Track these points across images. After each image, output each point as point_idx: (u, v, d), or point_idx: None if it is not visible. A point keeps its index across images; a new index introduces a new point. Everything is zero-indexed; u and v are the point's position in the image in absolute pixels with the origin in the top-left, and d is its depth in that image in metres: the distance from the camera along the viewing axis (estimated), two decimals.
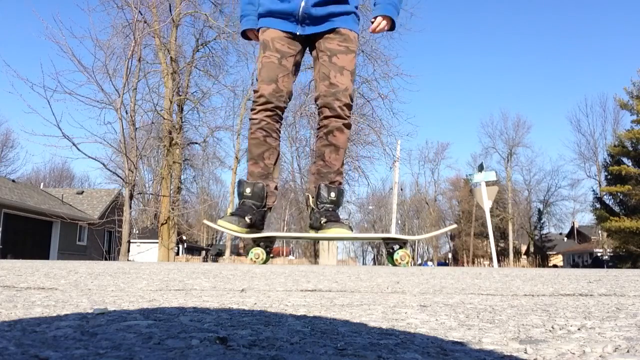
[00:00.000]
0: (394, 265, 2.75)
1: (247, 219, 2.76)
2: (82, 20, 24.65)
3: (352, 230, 2.76)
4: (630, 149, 31.72)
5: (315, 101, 2.91)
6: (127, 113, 11.29)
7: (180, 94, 17.48)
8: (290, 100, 2.94)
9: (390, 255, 2.81)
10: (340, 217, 2.87)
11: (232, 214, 2.80)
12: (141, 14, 13.45)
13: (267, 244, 2.84)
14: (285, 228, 36.60)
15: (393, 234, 2.92)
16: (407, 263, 2.72)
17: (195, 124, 18.67)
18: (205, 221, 3.17)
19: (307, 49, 3.00)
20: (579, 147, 55.33)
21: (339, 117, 2.81)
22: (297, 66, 2.91)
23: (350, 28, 2.84)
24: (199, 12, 17.23)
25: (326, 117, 2.83)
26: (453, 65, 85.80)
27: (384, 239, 2.92)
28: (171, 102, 16.91)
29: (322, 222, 2.79)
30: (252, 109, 2.92)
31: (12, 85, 22.20)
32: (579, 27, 77.83)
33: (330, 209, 2.82)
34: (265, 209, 2.91)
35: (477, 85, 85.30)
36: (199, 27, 17.87)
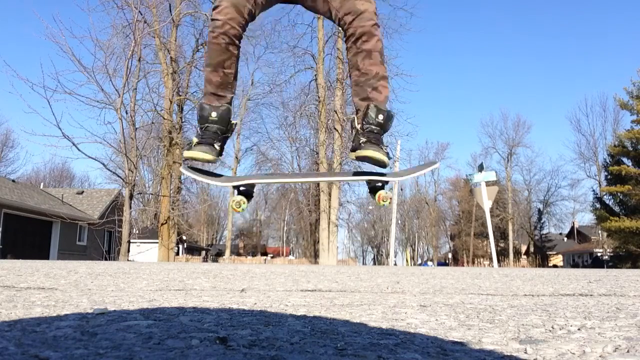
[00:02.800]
0: (376, 202, 2.69)
1: (216, 146, 2.62)
2: (82, 20, 24.70)
3: (389, 159, 2.58)
4: (630, 149, 31.70)
5: (338, 22, 2.70)
6: (127, 113, 11.29)
7: (180, 94, 17.48)
8: (261, 11, 2.69)
9: (372, 191, 2.69)
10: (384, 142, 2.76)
11: (199, 143, 2.62)
12: (141, 14, 13.45)
13: (248, 188, 2.68)
14: (285, 228, 36.59)
15: (375, 177, 2.76)
16: (389, 203, 2.68)
17: (195, 124, 18.67)
18: (182, 168, 3.02)
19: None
20: (579, 147, 55.37)
21: (365, 17, 2.61)
22: None
23: None
24: (199, 12, 17.24)
25: (350, 24, 2.63)
26: (453, 65, 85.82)
27: (367, 180, 2.86)
28: (171, 102, 16.91)
29: (360, 142, 2.60)
30: (213, 8, 2.66)
31: (12, 85, 22.22)
32: (579, 27, 77.84)
33: (375, 131, 2.62)
34: (229, 134, 2.82)
35: (477, 85, 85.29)
36: (199, 27, 17.88)
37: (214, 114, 2.69)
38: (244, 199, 2.66)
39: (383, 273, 1.72)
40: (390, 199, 2.64)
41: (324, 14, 2.86)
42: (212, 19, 2.73)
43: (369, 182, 2.77)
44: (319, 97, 21.77)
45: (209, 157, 2.59)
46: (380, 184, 2.75)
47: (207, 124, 2.69)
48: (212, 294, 1.06)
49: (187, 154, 2.67)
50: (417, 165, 2.85)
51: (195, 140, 2.72)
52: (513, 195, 48.24)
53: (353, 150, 2.71)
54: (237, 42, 2.79)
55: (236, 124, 2.90)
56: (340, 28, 2.81)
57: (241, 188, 2.69)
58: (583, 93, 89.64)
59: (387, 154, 2.64)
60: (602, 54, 76.74)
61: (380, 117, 2.76)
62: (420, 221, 53.87)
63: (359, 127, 2.73)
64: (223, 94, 2.77)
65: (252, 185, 2.78)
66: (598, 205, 34.12)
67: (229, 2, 2.71)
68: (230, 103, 2.78)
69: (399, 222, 47.93)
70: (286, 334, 0.64)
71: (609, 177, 34.50)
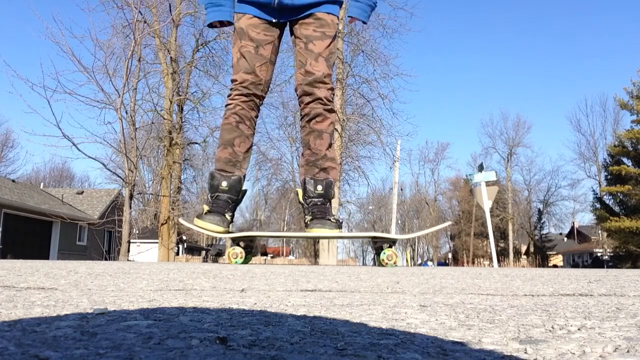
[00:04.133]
0: (381, 265, 2.62)
1: (227, 216, 2.65)
2: (82, 20, 24.64)
3: (339, 228, 2.61)
4: (630, 149, 31.70)
5: (296, 91, 2.82)
6: (127, 113, 11.29)
7: (180, 94, 17.48)
8: (268, 89, 2.85)
9: (377, 254, 2.70)
10: (332, 212, 2.73)
11: (209, 211, 2.66)
12: (141, 14, 13.45)
13: (247, 242, 2.71)
14: (285, 228, 36.60)
15: (380, 233, 2.74)
16: (394, 263, 2.60)
17: (195, 124, 18.67)
18: (182, 220, 3.03)
19: (287, 30, 2.88)
20: (579, 147, 55.45)
21: (319, 102, 2.72)
22: (275, 52, 2.82)
23: (329, 12, 2.74)
24: (199, 12, 17.23)
25: (307, 104, 2.74)
26: (453, 65, 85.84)
27: (371, 237, 2.84)
28: (171, 102, 16.91)
29: (307, 221, 2.66)
30: (228, 95, 2.82)
31: (12, 85, 22.23)
32: (579, 27, 77.86)
33: (319, 204, 2.69)
34: (239, 203, 2.79)
35: (477, 85, 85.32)
36: (199, 27, 17.86)
37: (224, 183, 2.70)
38: (242, 252, 2.61)
39: (383, 273, 1.72)
40: (396, 256, 2.60)
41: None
42: (226, 105, 2.80)
43: (375, 242, 2.73)
44: None
45: (219, 229, 2.58)
46: (387, 244, 2.68)
47: (217, 193, 2.70)
48: (212, 294, 1.06)
49: (197, 223, 2.64)
50: (427, 229, 2.85)
51: (205, 208, 2.72)
52: (513, 195, 48.24)
53: (306, 226, 2.71)
54: (247, 122, 2.79)
55: (246, 190, 2.89)
56: (297, 98, 2.84)
57: (241, 243, 2.65)
58: (583, 93, 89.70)
59: (337, 222, 2.65)
60: (602, 54, 76.71)
61: (319, 187, 2.71)
62: (420, 221, 53.86)
63: (302, 202, 2.73)
64: (231, 171, 2.75)
65: (253, 241, 2.74)
66: (598, 205, 34.11)
67: (239, 92, 2.76)
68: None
69: (399, 222, 47.90)
70: (286, 334, 0.64)
71: (609, 177, 34.51)
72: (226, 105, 2.81)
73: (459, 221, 51.79)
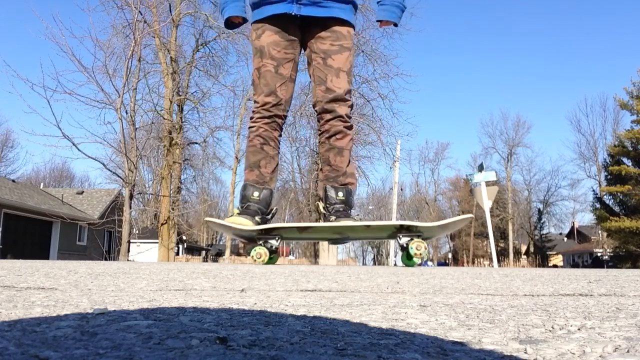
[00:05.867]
0: (410, 261, 2.55)
1: (257, 218, 2.69)
2: (82, 20, 24.63)
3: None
4: (630, 149, 31.70)
5: (314, 107, 2.83)
6: (127, 113, 11.29)
7: (180, 94, 17.48)
8: (289, 106, 2.87)
9: (404, 250, 2.62)
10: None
11: (240, 213, 2.70)
12: (141, 14, 13.44)
13: (272, 243, 2.70)
14: None
15: (406, 221, 2.70)
16: (425, 251, 2.54)
17: (195, 124, 18.68)
18: (209, 218, 3.03)
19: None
20: (579, 147, 55.41)
21: (339, 119, 2.74)
22: (295, 69, 2.84)
23: (346, 18, 2.73)
24: (199, 12, 17.23)
25: (327, 122, 2.76)
26: (453, 65, 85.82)
27: (396, 227, 2.79)
28: (171, 102, 16.92)
29: (332, 220, 2.68)
30: (250, 117, 2.86)
31: (12, 85, 22.24)
32: (579, 26, 77.83)
33: (341, 209, 2.71)
34: (269, 217, 2.81)
35: (477, 85, 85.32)
36: (199, 27, 17.88)
37: (256, 194, 2.75)
38: (266, 253, 2.62)
39: (383, 273, 1.72)
40: (425, 247, 2.56)
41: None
42: (249, 127, 2.83)
43: (399, 238, 2.68)
44: None
45: (249, 223, 2.63)
46: (410, 238, 2.63)
47: (248, 203, 2.75)
48: (212, 294, 1.06)
49: (228, 219, 2.68)
50: (449, 219, 2.79)
51: (236, 211, 2.76)
52: (513, 195, 48.25)
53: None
54: (271, 143, 2.83)
55: (276, 210, 2.92)
56: (316, 114, 2.85)
57: (268, 243, 2.65)
58: (583, 93, 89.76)
59: (361, 220, 2.67)
60: (602, 54, 76.72)
61: (340, 194, 2.74)
62: (420, 221, 53.82)
63: (324, 211, 2.75)
64: (261, 186, 2.79)
65: (278, 240, 2.74)
66: (598, 205, 34.12)
67: (261, 115, 2.78)
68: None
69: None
70: (286, 334, 0.64)
71: (609, 177, 34.51)
72: (249, 128, 2.85)
73: None
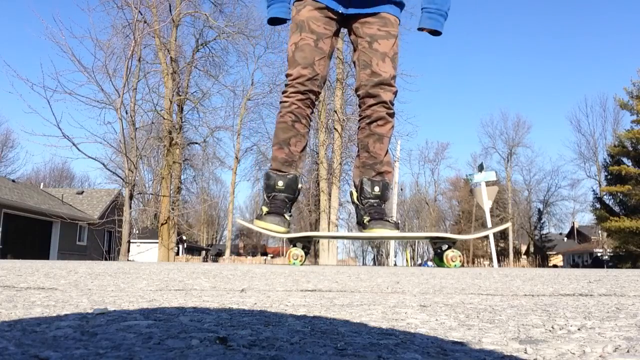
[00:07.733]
0: (442, 266, 2.57)
1: (287, 216, 2.62)
2: (82, 20, 24.68)
3: (397, 229, 2.59)
4: (630, 149, 31.69)
5: (356, 91, 2.74)
6: (127, 113, 11.29)
7: (180, 94, 17.48)
8: (324, 85, 2.75)
9: (438, 255, 2.66)
10: (387, 213, 2.72)
11: (269, 212, 2.62)
12: (141, 14, 13.44)
13: (305, 243, 2.67)
14: None
15: (440, 233, 2.72)
16: (460, 262, 2.55)
17: (195, 124, 18.69)
18: (240, 220, 2.98)
19: (343, 30, 2.82)
20: (579, 147, 55.44)
21: (383, 105, 2.66)
22: (333, 48, 2.74)
23: (392, 12, 2.71)
24: (199, 12, 17.24)
25: (369, 107, 2.67)
26: (453, 65, 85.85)
27: (431, 238, 2.81)
28: (171, 102, 16.92)
29: (365, 221, 2.63)
30: (283, 92, 2.72)
31: (12, 85, 22.26)
32: (579, 26, 77.86)
33: (375, 205, 2.65)
34: (295, 200, 2.74)
35: (477, 85, 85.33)
36: (199, 27, 17.90)
37: (280, 182, 2.64)
38: (302, 253, 2.61)
39: (383, 273, 1.72)
40: (460, 257, 2.57)
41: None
42: (281, 102, 2.74)
43: (434, 242, 2.69)
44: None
45: (281, 229, 2.54)
46: (446, 246, 2.63)
47: (274, 193, 2.65)
48: (212, 294, 1.06)
49: (258, 224, 2.60)
50: (488, 227, 2.82)
51: (265, 209, 2.68)
52: (513, 195, 48.24)
53: (359, 223, 2.66)
54: (303, 120, 2.73)
55: (302, 187, 2.83)
56: (358, 99, 2.76)
57: (301, 243, 2.62)
58: (583, 93, 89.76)
59: (395, 223, 2.61)
60: (602, 54, 76.74)
61: (377, 188, 2.67)
62: (420, 221, 53.86)
63: (358, 202, 2.70)
64: (287, 170, 2.70)
65: (310, 242, 2.73)
66: (598, 205, 34.10)
67: (296, 89, 2.68)
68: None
69: (399, 222, 47.85)
70: (286, 334, 0.64)
71: (609, 177, 34.50)
72: (281, 102, 2.72)
73: (459, 221, 51.79)
